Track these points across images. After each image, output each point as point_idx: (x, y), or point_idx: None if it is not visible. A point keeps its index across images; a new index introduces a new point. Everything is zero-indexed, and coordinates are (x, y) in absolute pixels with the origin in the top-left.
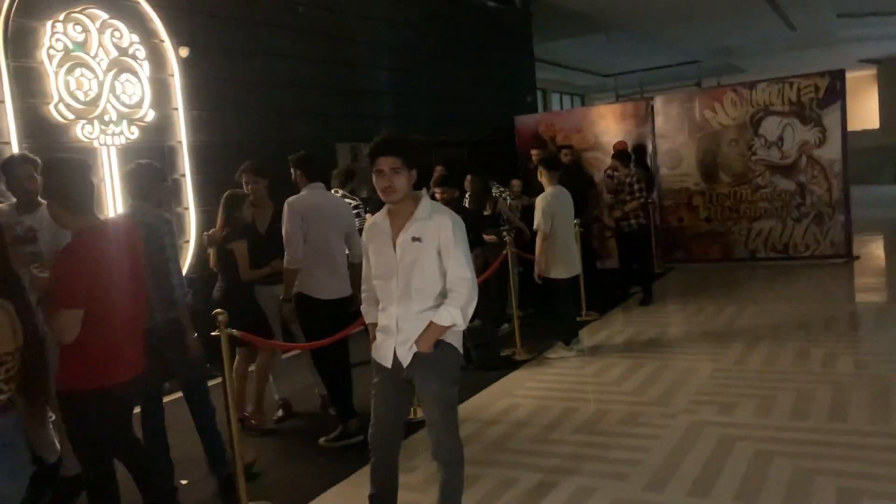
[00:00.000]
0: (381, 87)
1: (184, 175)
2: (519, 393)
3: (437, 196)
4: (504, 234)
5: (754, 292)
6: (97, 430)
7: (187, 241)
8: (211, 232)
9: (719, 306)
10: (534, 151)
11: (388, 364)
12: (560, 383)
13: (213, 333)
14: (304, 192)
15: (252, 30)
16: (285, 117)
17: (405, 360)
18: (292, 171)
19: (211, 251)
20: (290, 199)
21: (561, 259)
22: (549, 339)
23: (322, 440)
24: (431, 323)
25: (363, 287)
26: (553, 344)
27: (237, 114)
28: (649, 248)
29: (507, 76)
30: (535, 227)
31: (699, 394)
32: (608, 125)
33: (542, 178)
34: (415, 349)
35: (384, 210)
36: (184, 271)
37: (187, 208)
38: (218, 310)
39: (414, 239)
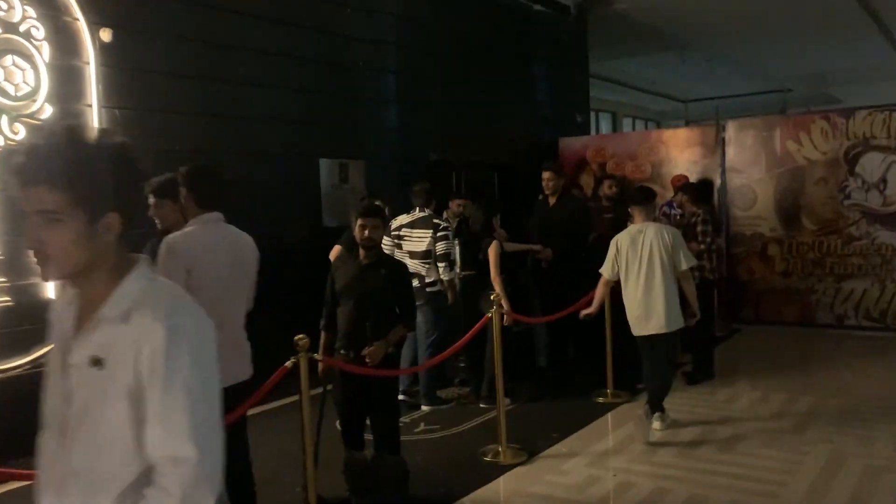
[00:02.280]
0: (384, 94)
1: None
2: None
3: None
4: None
5: (841, 372)
6: None
7: None
8: None
9: (792, 390)
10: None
11: None
12: None
13: None
14: (190, 227)
15: (209, 13)
16: (250, 123)
17: None
18: (181, 190)
19: None
20: (170, 237)
21: None
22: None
23: None
24: None
25: None
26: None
27: (180, 116)
28: (710, 305)
29: (554, 92)
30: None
31: None
32: (669, 153)
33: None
34: None
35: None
36: None
37: None
38: None
39: (94, 361)
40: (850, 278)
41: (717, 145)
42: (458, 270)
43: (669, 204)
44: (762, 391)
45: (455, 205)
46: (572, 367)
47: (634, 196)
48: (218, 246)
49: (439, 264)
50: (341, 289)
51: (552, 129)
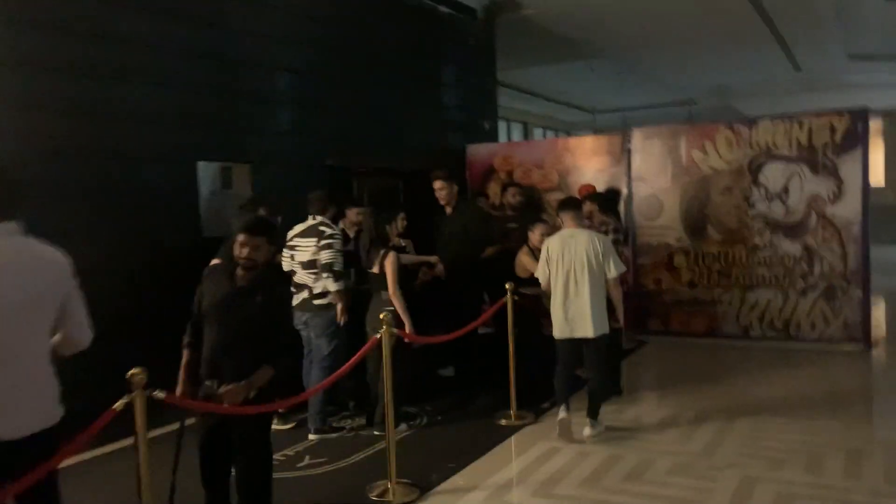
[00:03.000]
0: (276, 93)
1: None
2: None
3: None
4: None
5: (749, 386)
6: None
7: None
8: None
9: (701, 408)
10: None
11: None
12: None
13: None
14: None
15: None
16: (117, 121)
17: None
18: None
19: None
20: None
21: None
22: (442, 457)
23: None
24: None
25: None
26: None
27: (37, 113)
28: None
29: (463, 97)
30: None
31: None
32: (576, 162)
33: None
34: None
35: None
36: None
37: None
38: None
39: None
40: (754, 288)
41: (623, 154)
42: (349, 282)
43: None
44: (670, 409)
45: (353, 213)
46: (478, 378)
47: (565, 202)
48: (6, 265)
49: (324, 275)
50: (207, 309)
51: (460, 135)
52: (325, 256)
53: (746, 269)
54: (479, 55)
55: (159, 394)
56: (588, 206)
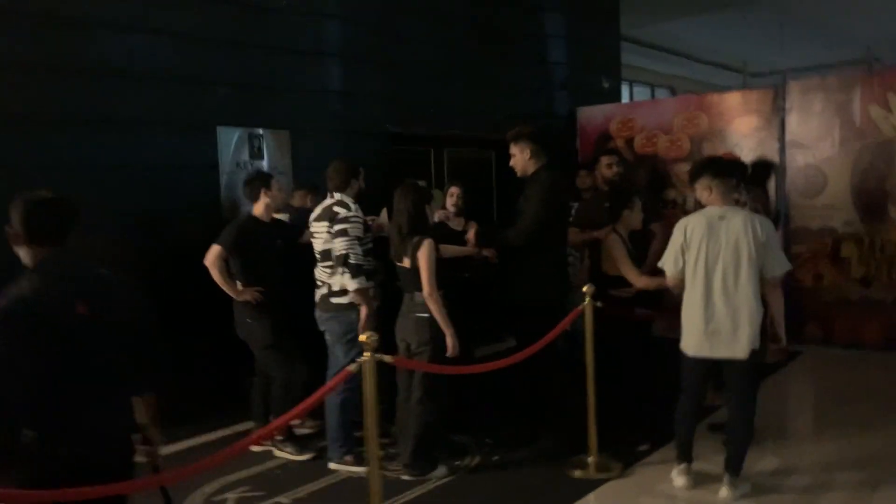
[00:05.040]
0: (321, 45)
1: None
2: None
3: None
4: None
5: None
6: None
7: None
8: None
9: (872, 458)
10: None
11: None
12: None
13: None
14: None
15: None
16: (109, 80)
17: None
18: None
19: None
20: None
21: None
22: None
23: None
24: None
25: None
26: None
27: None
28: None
29: (574, 50)
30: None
31: None
32: (713, 125)
33: None
34: None
35: None
36: None
37: None
38: None
39: None
40: None
41: (776, 114)
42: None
43: None
44: (834, 452)
45: (449, 194)
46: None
47: (707, 165)
48: None
49: (339, 269)
50: None
51: (570, 96)
52: (338, 246)
53: None
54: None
55: None
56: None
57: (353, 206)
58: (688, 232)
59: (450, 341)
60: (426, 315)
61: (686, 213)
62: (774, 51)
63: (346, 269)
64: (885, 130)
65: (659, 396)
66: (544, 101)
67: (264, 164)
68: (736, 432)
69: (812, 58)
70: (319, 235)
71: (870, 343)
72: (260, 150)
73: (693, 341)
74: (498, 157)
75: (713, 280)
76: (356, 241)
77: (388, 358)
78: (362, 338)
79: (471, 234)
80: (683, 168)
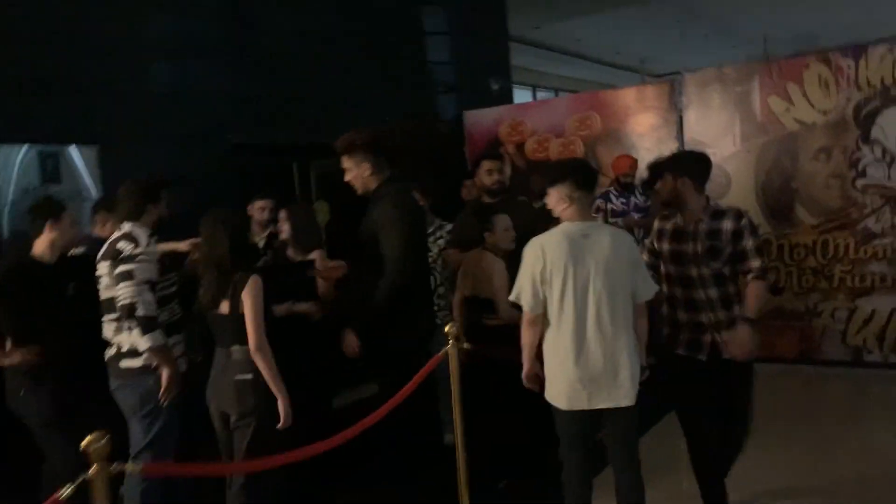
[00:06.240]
0: (141, 36)
1: None
2: None
3: None
4: None
5: (872, 435)
6: None
7: None
8: None
9: (802, 483)
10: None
11: None
12: None
13: None
14: None
15: None
16: None
17: None
18: None
19: None
20: None
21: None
22: None
23: None
24: None
25: None
26: None
27: None
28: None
29: (457, 49)
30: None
31: None
32: (608, 125)
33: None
34: None
35: None
36: None
37: None
38: None
39: None
40: (868, 294)
41: (673, 109)
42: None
43: (605, 196)
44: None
45: (257, 209)
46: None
47: (563, 170)
48: None
49: (126, 323)
50: None
51: (457, 99)
52: (121, 293)
53: (856, 265)
54: None
55: None
56: (666, 183)
57: (144, 239)
58: (546, 256)
59: (282, 407)
60: (248, 376)
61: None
62: (672, 50)
63: (137, 323)
64: (787, 124)
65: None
66: (427, 103)
67: (64, 189)
68: (630, 495)
69: (713, 58)
70: (102, 280)
71: (783, 357)
72: (56, 170)
73: (565, 391)
74: None
75: (586, 314)
76: (146, 286)
77: None
78: None
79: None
80: None
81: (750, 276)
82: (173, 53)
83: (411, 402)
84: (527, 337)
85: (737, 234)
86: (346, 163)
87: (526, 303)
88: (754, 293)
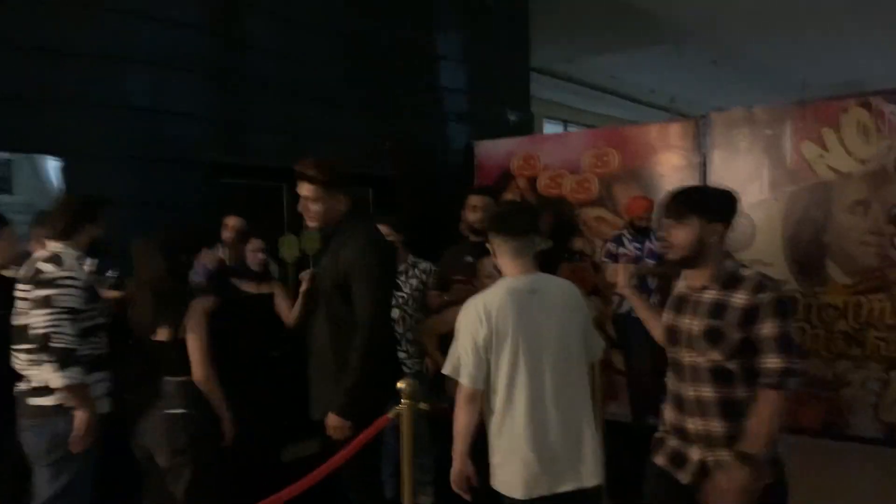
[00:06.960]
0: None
1: None
2: None
3: None
4: None
5: None
6: None
7: None
8: None
9: None
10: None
11: None
12: None
13: None
14: None
15: None
16: None
17: None
18: None
19: None
20: None
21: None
22: None
23: None
24: None
25: None
26: None
27: None
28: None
29: (473, 77)
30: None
31: None
32: (626, 163)
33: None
34: None
35: None
36: None
37: None
38: None
39: None
40: None
41: (696, 151)
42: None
43: (617, 239)
44: None
45: (228, 227)
46: None
47: (503, 218)
48: None
49: (38, 356)
50: None
51: (470, 128)
52: (37, 321)
53: (892, 332)
54: (502, 23)
55: None
56: (694, 231)
57: (70, 262)
58: (491, 319)
59: (226, 426)
60: (180, 411)
61: (595, 265)
62: (707, 91)
63: (51, 357)
64: (820, 172)
65: None
66: (436, 132)
67: (14, 200)
68: None
69: (748, 102)
70: (19, 304)
71: (807, 429)
72: (6, 180)
73: (521, 477)
74: (375, 195)
75: (543, 385)
76: (66, 316)
77: None
78: None
79: None
80: (592, 213)
81: (761, 382)
82: (152, 66)
83: (355, 461)
84: (463, 418)
85: (750, 314)
86: (315, 192)
87: (466, 376)
88: (765, 411)
